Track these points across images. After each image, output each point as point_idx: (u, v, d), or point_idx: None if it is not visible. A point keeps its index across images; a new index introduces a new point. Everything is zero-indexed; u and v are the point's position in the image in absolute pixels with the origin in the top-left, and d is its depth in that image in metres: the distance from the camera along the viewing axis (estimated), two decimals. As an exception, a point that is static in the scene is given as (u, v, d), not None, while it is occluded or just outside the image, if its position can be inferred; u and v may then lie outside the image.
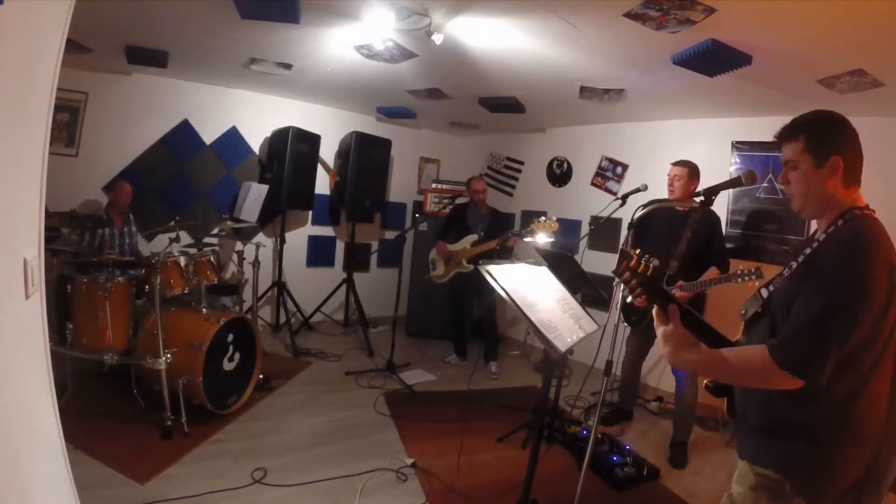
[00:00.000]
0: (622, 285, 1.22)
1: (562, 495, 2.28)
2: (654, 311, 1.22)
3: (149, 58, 3.66)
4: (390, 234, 5.79)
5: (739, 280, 2.41)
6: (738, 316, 1.31)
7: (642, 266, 1.17)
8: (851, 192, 1.16)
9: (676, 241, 2.77)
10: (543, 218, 3.39)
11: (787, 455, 1.13)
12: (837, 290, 1.03)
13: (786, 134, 1.20)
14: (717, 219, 2.93)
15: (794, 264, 1.19)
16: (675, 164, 3.00)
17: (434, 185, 5.40)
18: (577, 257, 2.95)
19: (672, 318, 1.17)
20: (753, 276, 2.35)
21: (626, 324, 3.15)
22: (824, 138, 1.15)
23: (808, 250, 1.17)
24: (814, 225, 1.26)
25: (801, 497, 1.10)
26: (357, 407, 3.32)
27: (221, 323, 2.88)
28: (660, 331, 1.19)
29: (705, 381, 1.45)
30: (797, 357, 1.03)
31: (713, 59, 2.59)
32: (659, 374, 4.10)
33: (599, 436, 2.95)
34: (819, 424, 1.10)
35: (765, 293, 1.26)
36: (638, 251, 1.20)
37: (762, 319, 1.22)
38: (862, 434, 1.09)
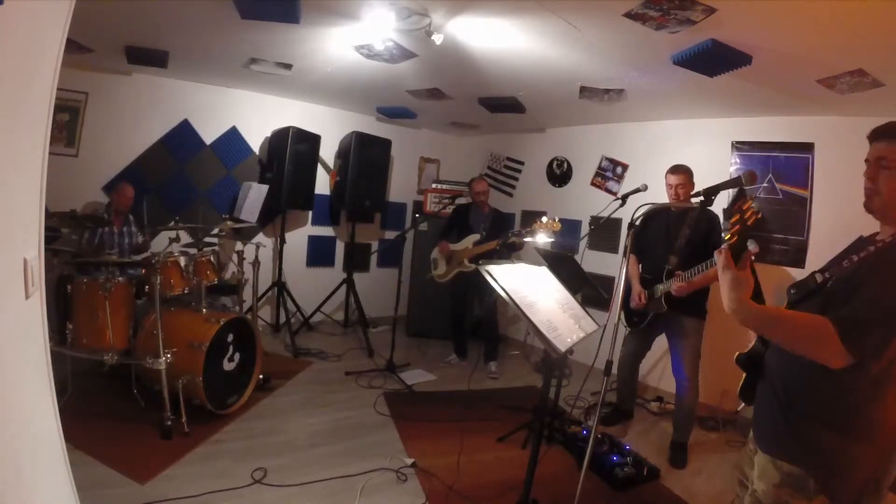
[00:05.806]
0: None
1: (562, 495, 2.27)
2: (721, 254, 1.18)
3: (149, 58, 3.66)
4: (390, 234, 5.79)
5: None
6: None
7: (748, 214, 1.22)
8: None
9: (675, 239, 2.82)
10: (545, 218, 3.33)
11: (813, 450, 1.13)
12: None
13: (888, 131, 1.17)
14: (714, 217, 2.92)
15: (856, 258, 1.18)
16: (674, 171, 2.93)
17: (434, 185, 5.40)
18: (577, 257, 2.95)
19: (744, 265, 1.15)
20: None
21: (626, 325, 3.16)
22: None
23: (871, 248, 1.17)
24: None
25: (823, 495, 1.10)
26: (357, 407, 3.32)
27: (221, 323, 2.88)
28: (727, 275, 1.15)
29: (736, 353, 1.44)
30: (866, 338, 1.03)
31: (713, 59, 2.59)
32: (659, 374, 4.10)
33: (599, 436, 2.95)
34: (849, 421, 1.10)
35: (819, 278, 1.25)
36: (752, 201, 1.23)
37: (811, 300, 1.22)
38: (881, 434, 1.10)
